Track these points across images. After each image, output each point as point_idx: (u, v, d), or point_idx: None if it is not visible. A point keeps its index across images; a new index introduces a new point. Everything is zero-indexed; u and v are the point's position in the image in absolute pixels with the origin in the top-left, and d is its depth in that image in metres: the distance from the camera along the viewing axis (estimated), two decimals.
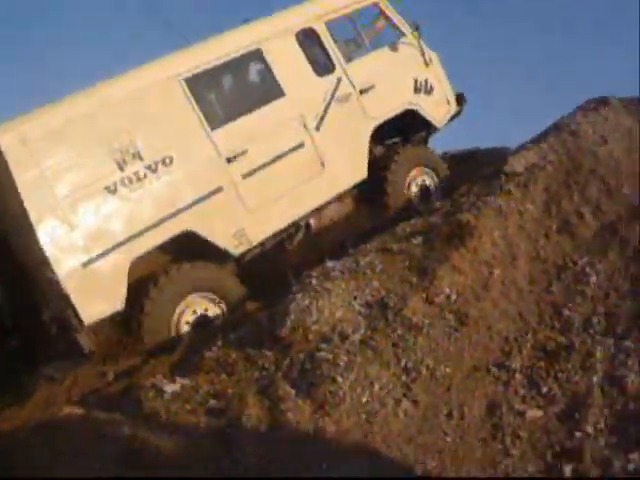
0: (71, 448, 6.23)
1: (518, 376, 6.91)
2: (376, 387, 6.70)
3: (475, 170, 11.27)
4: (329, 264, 8.59)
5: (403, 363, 6.99)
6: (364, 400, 6.56)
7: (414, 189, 11.42)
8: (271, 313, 7.97)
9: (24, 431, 6.97)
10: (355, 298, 7.89)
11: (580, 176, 9.48)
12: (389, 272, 8.24)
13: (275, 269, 9.88)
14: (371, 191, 10.94)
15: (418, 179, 11.50)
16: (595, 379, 6.70)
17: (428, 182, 11.59)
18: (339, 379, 6.69)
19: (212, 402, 6.83)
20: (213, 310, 9.24)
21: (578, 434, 6.14)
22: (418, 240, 8.79)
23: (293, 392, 6.70)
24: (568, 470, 5.79)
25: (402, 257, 8.48)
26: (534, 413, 6.48)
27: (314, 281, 8.17)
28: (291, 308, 7.73)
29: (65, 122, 8.60)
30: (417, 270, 8.17)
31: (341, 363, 6.89)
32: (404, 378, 6.85)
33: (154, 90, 9.21)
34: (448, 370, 6.97)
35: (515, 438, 6.24)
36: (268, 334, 7.66)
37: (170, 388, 7.16)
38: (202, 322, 9.14)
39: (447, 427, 6.41)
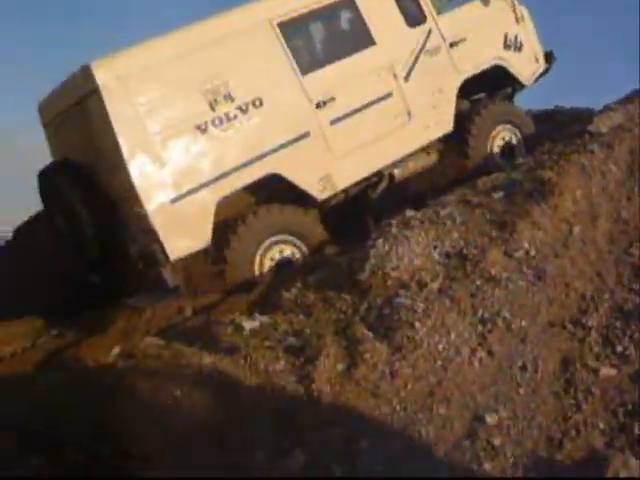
0: (153, 375, 6.37)
1: (594, 334, 6.84)
2: (452, 335, 6.69)
3: (558, 129, 11.09)
4: (409, 213, 8.57)
5: (480, 313, 6.95)
6: (440, 347, 6.56)
7: (498, 145, 11.25)
8: (351, 258, 8.00)
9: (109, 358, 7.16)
10: (435, 248, 7.86)
11: None
12: (468, 224, 8.17)
13: (355, 217, 9.91)
14: (455, 145, 10.84)
15: (502, 135, 11.31)
16: None
17: (512, 139, 11.40)
18: (417, 325, 6.69)
19: (291, 340, 6.87)
20: (295, 253, 9.30)
21: None
22: (499, 194, 8.71)
23: (370, 335, 6.72)
24: (638, 428, 5.77)
25: (482, 210, 8.41)
26: (608, 371, 6.42)
27: (394, 229, 8.15)
28: (371, 253, 7.74)
29: (160, 60, 8.68)
30: (497, 224, 8.08)
31: (419, 310, 6.89)
32: (480, 328, 6.81)
33: (248, 32, 9.21)
34: (524, 323, 6.91)
35: (587, 394, 6.19)
36: (347, 278, 7.69)
37: (249, 325, 7.22)
38: (284, 264, 9.21)
39: (521, 379, 6.38)
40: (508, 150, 11.26)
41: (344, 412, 5.96)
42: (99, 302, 9.00)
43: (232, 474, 5.39)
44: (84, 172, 8.97)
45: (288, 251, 9.27)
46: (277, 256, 9.22)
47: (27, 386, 6.65)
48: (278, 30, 9.39)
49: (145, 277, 8.71)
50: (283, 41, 9.39)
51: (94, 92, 8.39)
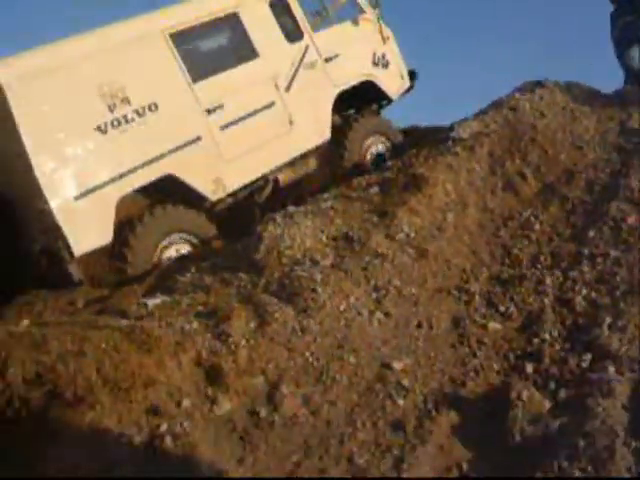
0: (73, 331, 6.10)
1: (477, 298, 7.08)
2: (351, 299, 6.75)
3: (419, 140, 11.48)
4: (291, 208, 8.66)
5: (372, 283, 7.02)
6: (342, 308, 6.57)
7: (370, 155, 11.56)
8: (245, 241, 8.00)
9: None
10: (322, 231, 7.98)
11: (521, 144, 9.78)
12: (350, 213, 8.31)
13: (244, 219, 9.90)
14: (331, 156, 11.07)
15: (374, 146, 11.63)
16: (547, 301, 6.92)
17: (382, 149, 11.76)
18: (318, 289, 6.72)
19: (199, 308, 6.73)
20: (192, 251, 9.16)
21: (536, 340, 6.36)
22: (375, 189, 8.93)
23: (275, 300, 6.73)
24: (529, 367, 5.98)
25: (361, 202, 8.56)
26: (495, 325, 6.68)
27: (279, 219, 8.21)
28: (265, 235, 7.74)
29: (63, 62, 8.47)
30: (377, 212, 8.25)
31: (317, 278, 6.89)
32: (374, 295, 6.89)
33: (142, 42, 9.16)
34: (414, 290, 7.07)
35: (480, 344, 6.38)
36: (242, 260, 7.59)
37: (152, 302, 6.94)
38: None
39: (418, 334, 6.54)
40: (380, 159, 11.52)
41: (262, 363, 5.95)
42: None
43: None
44: None
45: (185, 249, 9.14)
46: (175, 254, 9.05)
47: None
48: (170, 40, 9.36)
49: (48, 275, 8.42)
50: (175, 50, 9.36)
51: None
